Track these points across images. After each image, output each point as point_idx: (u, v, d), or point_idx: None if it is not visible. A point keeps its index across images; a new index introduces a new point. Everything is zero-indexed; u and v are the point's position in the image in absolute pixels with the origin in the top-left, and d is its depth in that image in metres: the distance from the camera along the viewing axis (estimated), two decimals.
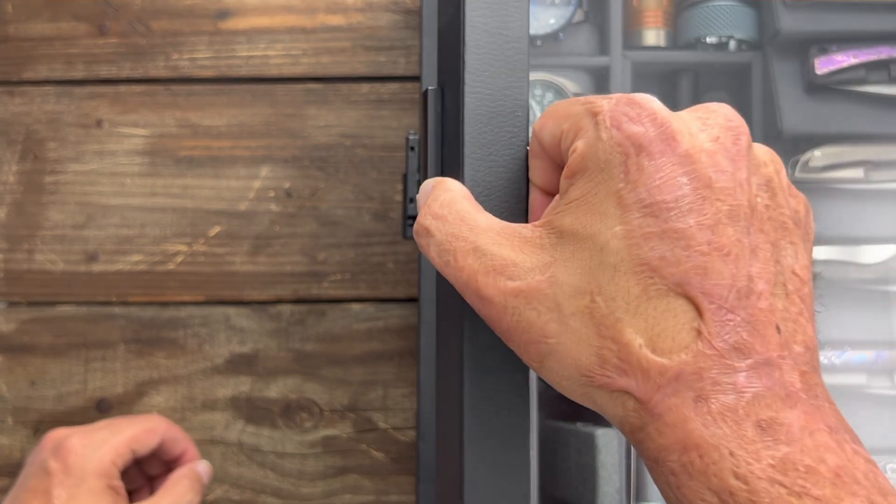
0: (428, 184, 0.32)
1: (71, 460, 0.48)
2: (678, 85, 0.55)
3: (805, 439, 0.25)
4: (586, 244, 0.28)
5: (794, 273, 0.27)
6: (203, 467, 0.53)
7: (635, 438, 0.27)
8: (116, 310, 0.65)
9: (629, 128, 0.28)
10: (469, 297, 0.29)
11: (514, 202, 0.33)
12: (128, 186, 0.65)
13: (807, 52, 0.53)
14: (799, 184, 0.53)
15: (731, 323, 0.26)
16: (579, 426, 0.52)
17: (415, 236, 0.31)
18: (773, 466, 0.24)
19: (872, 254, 0.52)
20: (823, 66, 0.52)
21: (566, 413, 0.53)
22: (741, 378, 0.25)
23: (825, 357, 0.51)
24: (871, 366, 0.51)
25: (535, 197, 0.33)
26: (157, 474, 0.54)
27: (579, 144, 0.29)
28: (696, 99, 0.55)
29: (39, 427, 0.64)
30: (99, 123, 0.66)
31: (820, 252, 0.52)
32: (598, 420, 0.52)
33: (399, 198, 0.65)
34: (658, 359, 0.26)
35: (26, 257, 0.65)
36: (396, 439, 0.63)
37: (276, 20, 0.66)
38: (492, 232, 0.29)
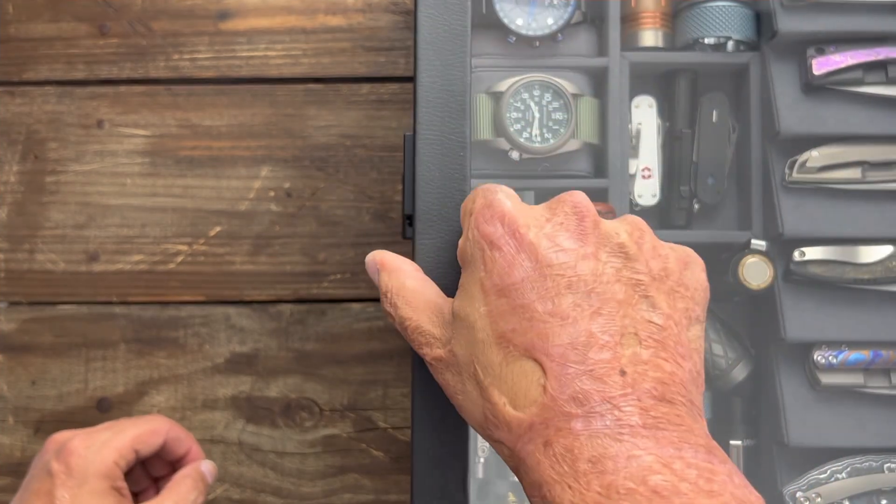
0: (373, 263, 0.40)
1: (73, 462, 0.48)
2: (676, 86, 0.56)
3: (630, 466, 0.29)
4: (466, 323, 0.34)
5: (648, 322, 0.32)
6: (207, 467, 0.53)
7: (518, 478, 0.33)
8: (117, 309, 0.65)
9: (484, 228, 0.35)
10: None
11: (457, 225, 0.43)
12: (128, 186, 0.65)
13: (804, 52, 0.53)
14: (796, 184, 0.53)
15: (571, 376, 0.31)
16: None
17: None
18: (599, 493, 0.29)
19: (869, 254, 0.52)
20: (821, 66, 0.52)
21: None
22: (577, 424, 0.31)
23: (823, 357, 0.51)
24: (869, 365, 0.52)
25: None
26: (162, 475, 0.53)
27: (460, 241, 0.37)
28: (695, 99, 0.55)
29: (40, 427, 0.64)
30: (100, 124, 0.66)
31: (817, 252, 0.52)
32: None
33: (399, 198, 0.65)
34: (517, 413, 0.32)
35: (27, 257, 0.65)
36: (396, 438, 0.64)
37: (276, 21, 0.66)
38: (428, 311, 0.37)
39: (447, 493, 0.43)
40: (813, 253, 0.52)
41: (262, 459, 0.64)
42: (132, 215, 0.65)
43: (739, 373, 0.54)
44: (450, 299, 0.37)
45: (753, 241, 0.52)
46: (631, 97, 0.55)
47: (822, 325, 0.52)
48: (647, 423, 0.30)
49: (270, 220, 0.65)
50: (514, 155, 0.53)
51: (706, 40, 0.54)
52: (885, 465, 0.51)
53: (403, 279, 0.39)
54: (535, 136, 0.53)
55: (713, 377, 0.54)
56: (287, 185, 0.65)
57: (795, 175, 0.53)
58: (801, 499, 0.51)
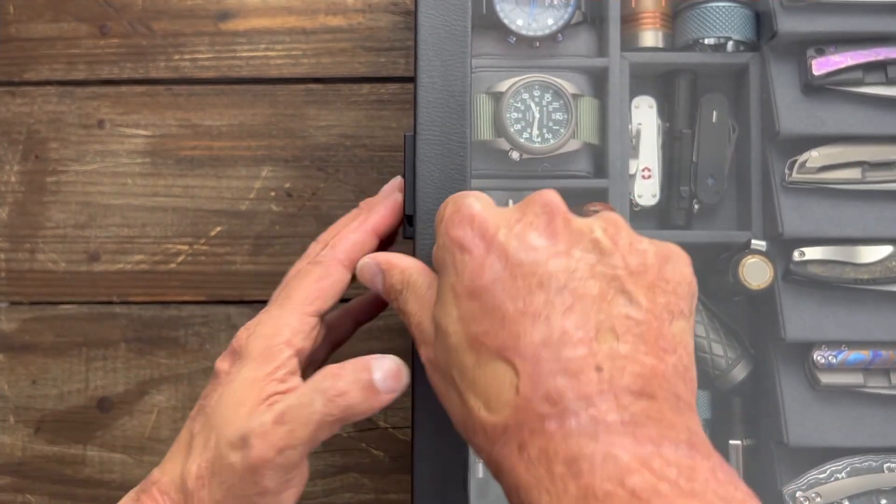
0: (374, 265, 0.42)
1: (236, 351, 0.43)
2: (676, 86, 0.56)
3: (607, 467, 0.28)
4: (441, 329, 0.34)
5: (626, 316, 0.32)
6: (382, 370, 0.41)
7: (498, 483, 0.33)
8: (118, 309, 0.65)
9: (454, 232, 0.35)
10: None
11: None
12: (129, 186, 0.66)
13: (804, 53, 0.53)
14: (796, 184, 0.53)
15: (544, 374, 0.30)
16: None
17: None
18: (576, 497, 0.28)
19: (869, 254, 0.52)
20: (820, 67, 0.52)
21: None
22: (552, 424, 0.30)
23: (823, 356, 0.51)
24: (868, 365, 0.52)
25: None
26: None
27: (434, 249, 0.37)
28: (695, 100, 0.56)
29: (40, 426, 0.64)
30: (100, 124, 0.66)
31: (817, 252, 0.52)
32: None
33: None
34: (490, 417, 0.32)
35: (28, 257, 0.65)
36: (396, 438, 0.64)
37: (276, 21, 0.66)
38: (428, 311, 0.37)
39: (447, 492, 0.43)
40: (813, 253, 0.52)
41: None
42: (133, 215, 0.65)
43: (739, 373, 0.54)
44: None
45: (753, 242, 0.52)
46: (631, 97, 0.55)
47: (821, 325, 0.52)
48: (624, 419, 0.30)
49: (271, 219, 0.65)
50: (515, 155, 0.53)
51: (706, 41, 0.55)
52: (885, 465, 0.51)
53: (412, 274, 0.39)
54: (536, 136, 0.53)
55: (713, 377, 0.54)
56: (287, 185, 0.65)
57: (795, 175, 0.53)
58: (801, 498, 0.51)
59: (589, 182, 0.54)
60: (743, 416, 0.53)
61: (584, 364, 0.30)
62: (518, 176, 0.53)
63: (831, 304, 0.52)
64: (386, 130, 0.66)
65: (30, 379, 0.65)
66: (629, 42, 0.55)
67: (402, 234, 0.47)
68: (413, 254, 0.45)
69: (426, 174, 0.44)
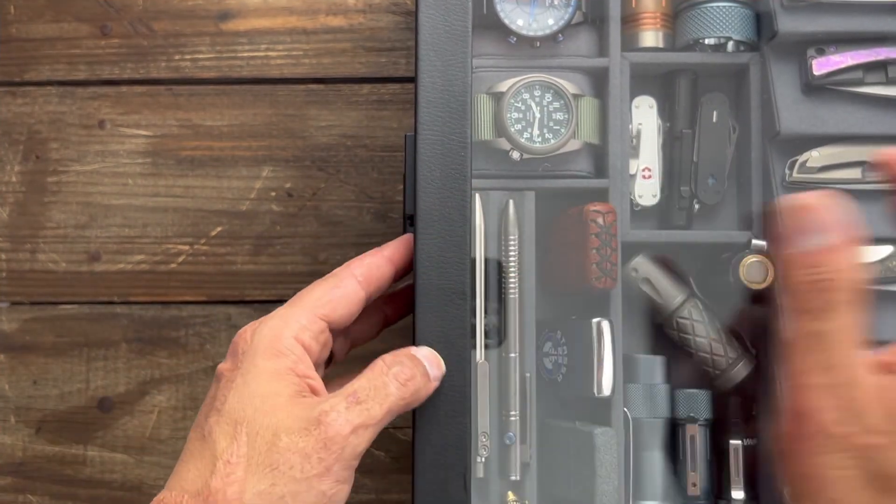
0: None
1: (239, 351, 0.43)
2: (676, 86, 0.56)
3: None
4: None
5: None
6: (424, 353, 0.43)
7: None
8: (118, 309, 0.65)
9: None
10: None
11: (458, 225, 0.44)
12: (130, 186, 0.66)
13: (804, 53, 0.53)
14: (797, 184, 0.53)
15: None
16: (578, 425, 0.52)
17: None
18: None
19: (869, 254, 0.52)
20: (821, 67, 0.52)
21: (565, 412, 0.54)
22: None
23: None
24: None
25: None
26: None
27: None
28: (695, 100, 0.56)
29: (41, 426, 0.64)
30: (101, 124, 0.66)
31: None
32: (597, 419, 0.52)
33: (399, 198, 0.65)
34: None
35: (29, 257, 0.66)
36: (397, 438, 0.64)
37: (277, 21, 0.66)
38: None
39: (448, 492, 0.43)
40: None
41: None
42: (133, 215, 0.65)
43: (739, 372, 0.54)
44: None
45: (754, 241, 0.52)
46: (631, 97, 0.55)
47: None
48: None
49: (271, 220, 0.65)
50: (515, 155, 0.53)
51: (706, 41, 0.55)
52: None
53: None
54: (536, 136, 0.53)
55: (713, 377, 0.54)
56: (288, 185, 0.65)
57: (796, 175, 0.53)
58: None
59: (589, 182, 0.54)
60: (743, 416, 0.53)
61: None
62: (518, 176, 0.53)
63: None
64: (386, 130, 0.66)
65: (31, 379, 0.65)
66: (629, 42, 0.55)
67: (403, 234, 0.47)
68: (413, 253, 0.45)
69: (426, 174, 0.44)
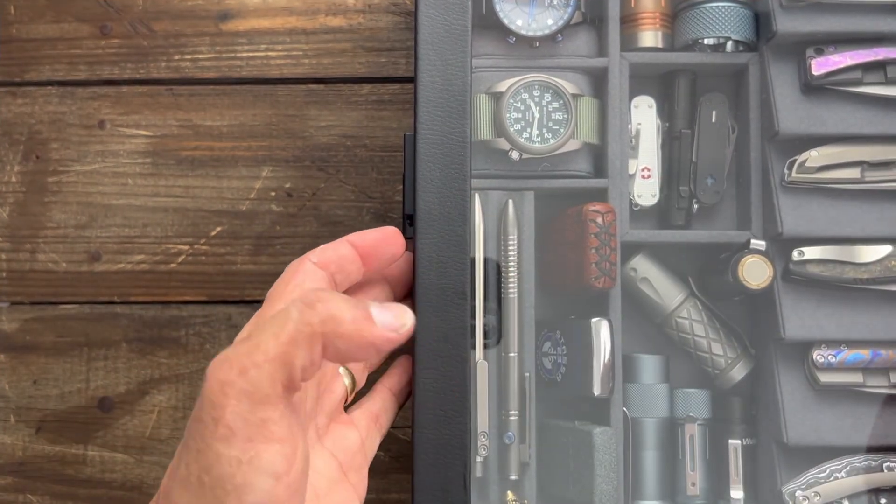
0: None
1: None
2: (676, 86, 0.56)
3: None
4: None
5: None
6: (381, 305, 0.36)
7: None
8: (119, 309, 0.65)
9: None
10: None
11: (458, 225, 0.44)
12: (130, 187, 0.66)
13: (803, 53, 0.53)
14: (796, 184, 0.53)
15: None
16: (577, 425, 0.52)
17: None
18: None
19: (868, 253, 0.52)
20: (820, 67, 0.52)
21: (564, 412, 0.54)
22: None
23: (822, 356, 0.52)
24: (868, 365, 0.52)
25: None
26: None
27: None
28: (694, 100, 0.56)
29: (41, 426, 0.64)
30: (101, 124, 0.66)
31: (816, 252, 0.52)
32: (596, 419, 0.52)
33: (399, 198, 0.65)
34: None
35: (29, 257, 0.66)
36: (397, 438, 0.64)
37: (277, 22, 0.66)
38: None
39: (447, 492, 0.43)
40: (812, 252, 0.52)
41: None
42: (134, 215, 0.65)
43: (739, 372, 0.54)
44: None
45: (753, 241, 0.52)
46: (630, 97, 0.55)
47: (821, 324, 0.52)
48: None
49: (271, 220, 0.65)
50: (514, 155, 0.53)
51: (705, 41, 0.55)
52: (885, 465, 0.51)
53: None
54: (535, 136, 0.53)
55: (713, 377, 0.54)
56: (288, 185, 0.65)
57: (794, 175, 0.53)
58: (801, 498, 0.51)
59: (589, 182, 0.54)
60: (743, 416, 0.53)
61: None
62: (518, 176, 0.53)
63: (831, 304, 0.52)
64: (386, 130, 0.66)
65: (31, 379, 0.65)
66: (629, 42, 0.56)
67: (403, 234, 0.47)
68: (413, 253, 0.45)
69: (426, 174, 0.44)
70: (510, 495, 0.51)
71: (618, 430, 0.51)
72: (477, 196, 0.52)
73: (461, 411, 0.44)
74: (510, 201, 0.52)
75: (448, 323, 0.44)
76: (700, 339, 0.54)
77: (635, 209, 0.55)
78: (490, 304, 0.51)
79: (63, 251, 0.65)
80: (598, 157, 0.55)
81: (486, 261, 0.51)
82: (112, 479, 0.64)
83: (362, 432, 0.45)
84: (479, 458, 0.50)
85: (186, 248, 0.65)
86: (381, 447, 0.64)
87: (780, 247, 0.53)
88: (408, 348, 0.48)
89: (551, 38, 0.54)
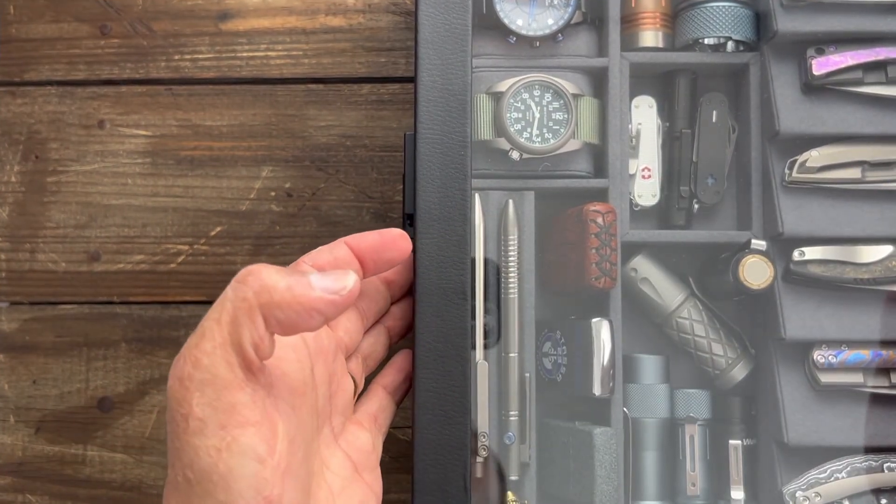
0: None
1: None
2: (676, 86, 0.56)
3: None
4: None
5: None
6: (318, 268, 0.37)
7: None
8: (118, 309, 0.65)
9: None
10: None
11: (458, 225, 0.43)
12: (129, 186, 0.66)
13: (804, 53, 0.53)
14: (796, 184, 0.53)
15: None
16: (577, 425, 0.52)
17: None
18: None
19: (869, 253, 0.52)
20: (820, 67, 0.52)
21: (564, 412, 0.54)
22: None
23: (823, 356, 0.51)
24: (868, 365, 0.52)
25: None
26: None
27: None
28: (694, 100, 0.56)
29: (41, 426, 0.64)
30: (101, 124, 0.66)
31: (817, 252, 0.52)
32: (596, 419, 0.52)
33: (399, 198, 0.65)
34: None
35: (28, 257, 0.66)
36: (396, 438, 0.64)
37: (276, 21, 0.66)
38: None
39: (447, 492, 0.43)
40: (813, 253, 0.52)
41: None
42: (133, 215, 0.65)
43: (739, 372, 0.54)
44: None
45: (753, 241, 0.52)
46: (631, 97, 0.55)
47: (821, 324, 0.52)
48: None
49: (271, 220, 0.65)
50: (515, 155, 0.53)
51: (706, 40, 0.55)
52: (885, 465, 0.51)
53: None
54: (536, 136, 0.53)
55: (713, 377, 0.54)
56: (288, 185, 0.65)
57: (795, 175, 0.53)
58: (801, 498, 0.51)
59: (589, 182, 0.54)
60: (743, 416, 0.53)
61: None
62: (518, 176, 0.53)
63: (831, 304, 0.52)
64: (386, 130, 0.66)
65: (30, 379, 0.65)
66: (629, 42, 0.56)
67: None
68: (413, 253, 0.45)
69: (426, 173, 0.44)
70: (510, 496, 0.51)
71: (618, 431, 0.51)
72: (477, 196, 0.51)
73: (461, 411, 0.44)
74: (510, 201, 0.52)
75: (448, 323, 0.44)
76: (700, 339, 0.54)
77: (636, 209, 0.55)
78: (490, 304, 0.51)
79: (62, 251, 0.65)
80: (599, 157, 0.55)
81: (486, 261, 0.51)
82: (111, 479, 0.64)
83: (371, 435, 0.45)
84: (479, 459, 0.50)
85: (186, 248, 0.65)
86: None
87: (781, 247, 0.53)
88: (406, 346, 0.48)
89: (552, 38, 0.54)
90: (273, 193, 0.65)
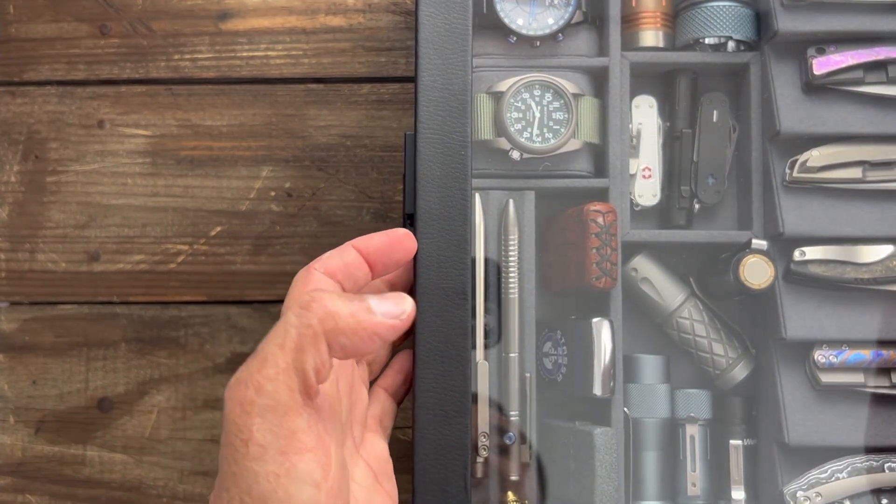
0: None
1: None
2: (676, 86, 0.56)
3: None
4: None
5: None
6: (380, 296, 0.38)
7: None
8: (118, 309, 0.65)
9: None
10: None
11: (458, 225, 0.43)
12: (129, 186, 0.66)
13: (804, 52, 0.53)
14: (797, 184, 0.53)
15: None
16: (578, 425, 0.52)
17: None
18: None
19: (869, 253, 0.52)
20: (821, 66, 0.52)
21: (565, 412, 0.54)
22: None
23: (823, 356, 0.51)
24: (869, 365, 0.52)
25: None
26: None
27: None
28: (695, 99, 0.56)
29: (41, 426, 0.64)
30: (100, 124, 0.66)
31: (817, 252, 0.52)
32: (597, 419, 0.52)
33: (399, 198, 0.65)
34: None
35: (28, 257, 0.65)
36: (396, 438, 0.64)
37: (276, 21, 0.66)
38: None
39: (447, 492, 0.43)
40: (813, 252, 0.52)
41: None
42: (133, 215, 0.65)
43: (740, 372, 0.54)
44: None
45: (754, 241, 0.52)
46: (631, 97, 0.55)
47: (822, 324, 0.52)
48: None
49: (271, 219, 0.65)
50: (515, 154, 0.53)
51: (706, 40, 0.55)
52: (886, 465, 0.51)
53: None
54: (536, 135, 0.53)
55: (713, 377, 0.54)
56: (288, 185, 0.65)
57: (796, 175, 0.53)
58: (802, 498, 0.51)
59: (589, 182, 0.54)
60: (743, 416, 0.53)
61: None
62: (518, 175, 0.53)
63: (832, 304, 0.52)
64: (386, 130, 0.66)
65: (30, 379, 0.65)
66: (629, 42, 0.55)
67: None
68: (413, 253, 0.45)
69: (427, 173, 0.44)
70: (511, 496, 0.51)
71: (618, 431, 0.51)
72: (477, 196, 0.51)
73: (461, 411, 0.44)
74: (511, 201, 0.52)
75: (448, 323, 0.44)
76: (701, 339, 0.54)
77: (636, 209, 0.55)
78: (490, 304, 0.51)
79: (62, 251, 0.65)
80: (599, 157, 0.55)
81: (486, 261, 0.51)
82: (111, 480, 0.63)
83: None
84: (479, 459, 0.50)
85: (186, 248, 0.65)
86: None
87: (782, 247, 0.53)
88: (405, 347, 0.47)
89: (552, 38, 0.54)
90: (273, 193, 0.65)
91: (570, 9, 0.54)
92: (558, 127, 0.53)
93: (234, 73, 0.66)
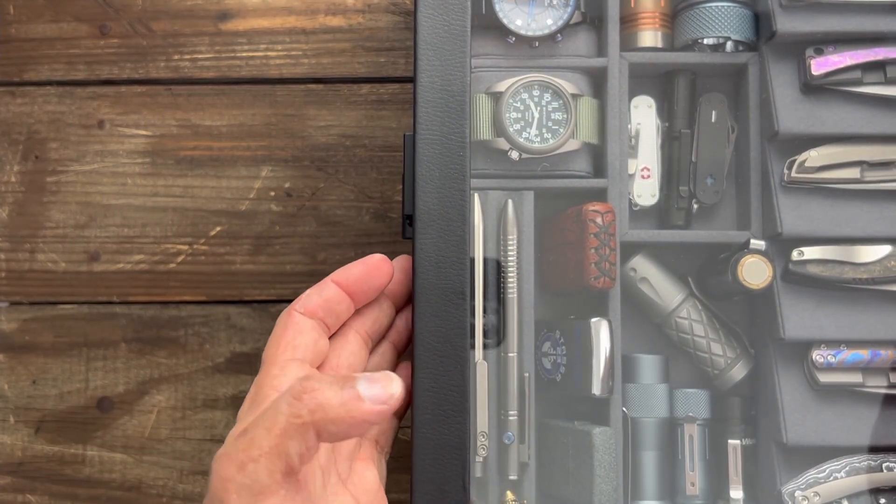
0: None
1: None
2: (675, 86, 0.56)
3: None
4: None
5: None
6: (368, 378, 0.38)
7: None
8: (118, 309, 0.65)
9: None
10: None
11: (457, 225, 0.44)
12: (129, 186, 0.66)
13: (803, 53, 0.53)
14: (795, 184, 0.53)
15: None
16: (577, 425, 0.52)
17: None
18: None
19: (868, 253, 0.52)
20: (819, 67, 0.52)
21: (564, 412, 0.54)
22: None
23: (822, 356, 0.51)
24: (867, 365, 0.52)
25: None
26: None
27: None
28: (694, 100, 0.56)
29: (41, 426, 0.64)
30: (100, 124, 0.66)
31: (816, 252, 0.52)
32: (596, 419, 0.52)
33: (398, 198, 0.65)
34: None
35: (28, 257, 0.66)
36: (397, 438, 0.64)
37: (276, 21, 0.66)
38: None
39: (447, 491, 0.43)
40: (812, 252, 0.52)
41: None
42: (133, 215, 0.65)
43: (738, 372, 0.54)
44: None
45: (752, 241, 0.52)
46: (630, 97, 0.55)
47: (820, 324, 0.52)
48: None
49: (271, 219, 0.65)
50: (514, 155, 0.53)
51: (705, 41, 0.55)
52: (884, 465, 0.51)
53: None
54: (535, 136, 0.53)
55: (712, 377, 0.54)
56: (287, 185, 0.65)
57: (794, 175, 0.53)
58: (800, 498, 0.51)
59: (588, 182, 0.54)
60: (742, 416, 0.53)
61: None
62: (517, 176, 0.53)
63: (830, 304, 0.52)
64: (386, 130, 0.66)
65: (30, 379, 0.65)
66: (628, 42, 0.56)
67: (402, 234, 0.47)
68: (412, 253, 0.45)
69: (426, 174, 0.44)
70: (510, 495, 0.51)
71: (617, 431, 0.51)
72: (476, 196, 0.52)
73: (461, 411, 0.44)
74: (510, 201, 0.52)
75: (448, 323, 0.44)
76: (699, 339, 0.54)
77: (635, 209, 0.55)
78: (490, 304, 0.51)
79: (62, 251, 0.65)
80: (598, 157, 0.55)
81: (485, 261, 0.51)
82: (111, 479, 0.64)
83: (375, 464, 0.45)
84: (479, 458, 0.50)
85: (185, 248, 0.65)
86: None
87: (780, 247, 0.53)
88: (405, 358, 0.48)
89: (551, 38, 0.54)
90: (272, 193, 0.65)
91: (569, 9, 0.54)
92: (557, 127, 0.53)
93: (233, 73, 0.66)
